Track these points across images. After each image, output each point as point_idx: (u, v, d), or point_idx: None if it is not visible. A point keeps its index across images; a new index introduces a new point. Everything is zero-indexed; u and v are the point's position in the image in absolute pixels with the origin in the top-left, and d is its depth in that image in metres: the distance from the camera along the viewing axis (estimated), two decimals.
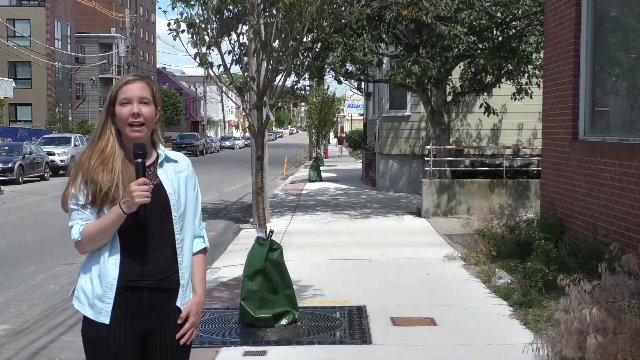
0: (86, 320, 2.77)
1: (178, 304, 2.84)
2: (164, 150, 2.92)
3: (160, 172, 2.84)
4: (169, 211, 2.80)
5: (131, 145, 2.76)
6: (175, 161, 2.93)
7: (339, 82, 16.22)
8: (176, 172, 2.89)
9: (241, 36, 6.60)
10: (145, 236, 2.76)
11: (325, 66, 14.06)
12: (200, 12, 6.36)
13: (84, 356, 2.84)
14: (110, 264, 2.72)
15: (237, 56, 6.56)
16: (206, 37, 6.37)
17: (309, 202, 17.69)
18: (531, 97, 15.27)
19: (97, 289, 2.73)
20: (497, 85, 15.55)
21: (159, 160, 2.87)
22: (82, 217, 2.71)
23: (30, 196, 20.60)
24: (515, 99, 15.61)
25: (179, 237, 2.84)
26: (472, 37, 13.76)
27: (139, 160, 2.74)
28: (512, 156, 16.61)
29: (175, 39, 6.39)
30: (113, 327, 2.72)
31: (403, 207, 15.83)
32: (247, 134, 49.28)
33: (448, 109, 16.34)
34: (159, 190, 2.78)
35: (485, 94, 15.94)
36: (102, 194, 2.69)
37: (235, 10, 6.40)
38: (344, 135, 64.72)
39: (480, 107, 16.43)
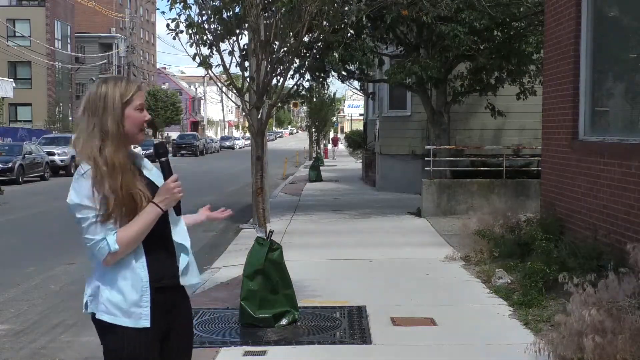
0: (118, 331, 2.72)
1: (182, 280, 2.89)
2: (138, 154, 3.00)
3: (145, 174, 2.90)
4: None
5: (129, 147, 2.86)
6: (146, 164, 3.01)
7: (342, 81, 16.25)
8: (153, 172, 2.96)
9: (241, 36, 6.61)
10: (159, 237, 2.81)
11: (326, 64, 14.06)
12: (199, 12, 6.36)
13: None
14: (139, 268, 2.74)
15: (238, 58, 6.56)
16: (205, 38, 6.37)
17: (309, 202, 17.69)
18: (535, 94, 15.24)
19: (131, 295, 2.71)
20: (498, 85, 15.54)
21: (139, 163, 2.93)
22: (109, 227, 2.67)
23: (30, 196, 20.60)
24: (519, 98, 15.61)
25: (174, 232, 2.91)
26: (472, 37, 13.75)
27: (164, 158, 2.86)
28: (513, 156, 16.60)
29: (174, 39, 6.40)
30: (152, 330, 2.75)
31: (403, 207, 15.82)
32: (247, 134, 49.23)
33: (448, 109, 16.34)
34: (153, 189, 2.83)
35: (488, 94, 15.93)
36: (139, 202, 2.72)
37: (236, 10, 6.40)
38: (338, 136, 63.90)
39: (486, 108, 16.43)
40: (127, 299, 2.71)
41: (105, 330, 2.74)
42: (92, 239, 2.66)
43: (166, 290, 2.81)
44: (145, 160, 2.95)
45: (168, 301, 2.83)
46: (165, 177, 2.83)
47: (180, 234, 2.89)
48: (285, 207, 16.50)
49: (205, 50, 6.45)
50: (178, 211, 2.86)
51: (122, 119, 2.76)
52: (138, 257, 2.75)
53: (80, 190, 2.67)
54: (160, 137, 71.22)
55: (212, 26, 6.38)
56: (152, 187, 2.82)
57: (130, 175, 2.74)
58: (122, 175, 2.70)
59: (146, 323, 2.72)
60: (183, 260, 2.88)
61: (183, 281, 2.87)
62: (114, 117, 2.74)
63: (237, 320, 6.36)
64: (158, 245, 2.80)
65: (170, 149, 56.76)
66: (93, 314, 2.78)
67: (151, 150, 30.00)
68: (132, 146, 2.92)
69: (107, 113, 2.74)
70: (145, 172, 2.89)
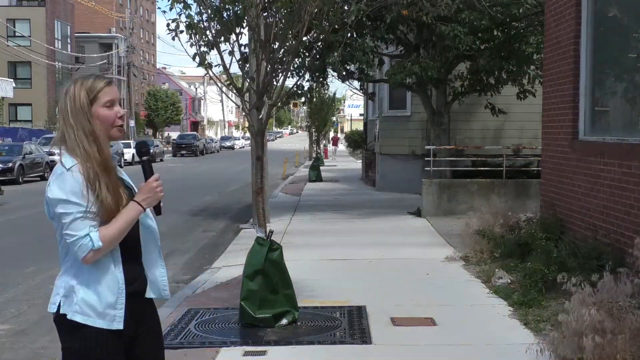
0: (89, 332, 2.70)
1: (149, 294, 2.91)
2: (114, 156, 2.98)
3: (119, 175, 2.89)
4: None
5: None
6: None
7: (343, 81, 16.27)
8: (122, 173, 2.94)
9: (240, 36, 6.61)
10: (133, 240, 2.80)
11: (326, 64, 14.07)
12: (200, 11, 6.36)
13: None
14: (117, 270, 2.74)
15: (239, 61, 6.55)
16: (205, 37, 6.37)
17: (309, 202, 17.69)
18: (534, 95, 15.23)
19: (107, 297, 2.70)
20: (498, 86, 15.53)
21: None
22: (94, 224, 2.66)
23: (30, 196, 20.59)
24: (520, 98, 15.61)
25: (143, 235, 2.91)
26: (472, 37, 13.75)
27: (145, 157, 2.83)
28: (513, 156, 16.60)
29: (174, 39, 6.40)
30: (124, 331, 2.74)
31: (403, 207, 15.83)
32: (247, 134, 49.18)
33: (448, 109, 16.34)
34: (130, 193, 2.82)
35: (488, 94, 15.93)
36: (119, 200, 2.71)
37: (236, 9, 6.39)
38: (338, 136, 63.45)
39: (486, 108, 16.43)
40: (102, 301, 2.69)
41: (75, 331, 2.70)
42: (75, 235, 2.63)
43: (137, 295, 2.81)
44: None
45: (139, 306, 2.82)
46: (147, 176, 2.81)
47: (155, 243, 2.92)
48: (285, 207, 16.50)
49: (204, 49, 6.46)
50: (158, 211, 2.86)
51: (92, 118, 2.73)
52: (116, 259, 2.74)
53: (64, 186, 2.65)
54: (160, 137, 71.27)
55: (212, 23, 6.38)
56: (132, 193, 2.83)
57: (116, 173, 2.76)
58: (111, 174, 2.70)
59: (119, 325, 2.71)
60: (161, 273, 2.92)
61: (155, 294, 2.91)
62: (85, 117, 2.72)
63: (237, 320, 6.36)
64: (131, 249, 2.80)
65: (170, 149, 56.74)
66: (60, 315, 2.73)
67: (152, 149, 29.64)
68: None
69: (79, 113, 2.72)
70: (119, 174, 2.89)
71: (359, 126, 50.21)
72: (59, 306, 2.74)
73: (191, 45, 6.41)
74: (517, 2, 13.65)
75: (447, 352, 5.58)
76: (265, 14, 6.63)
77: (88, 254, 2.64)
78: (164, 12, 6.77)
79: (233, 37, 6.52)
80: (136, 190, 2.85)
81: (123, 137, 2.90)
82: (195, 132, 69.89)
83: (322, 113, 37.26)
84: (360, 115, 47.28)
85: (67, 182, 2.65)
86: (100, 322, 2.69)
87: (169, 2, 6.50)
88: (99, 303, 2.69)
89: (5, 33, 47.05)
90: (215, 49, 6.51)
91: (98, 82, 2.78)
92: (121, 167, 3.03)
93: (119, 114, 2.78)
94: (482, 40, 14.49)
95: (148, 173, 2.80)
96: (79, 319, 2.70)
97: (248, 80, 6.67)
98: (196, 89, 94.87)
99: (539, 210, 9.53)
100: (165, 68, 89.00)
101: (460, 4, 13.52)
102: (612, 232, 6.90)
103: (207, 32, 6.39)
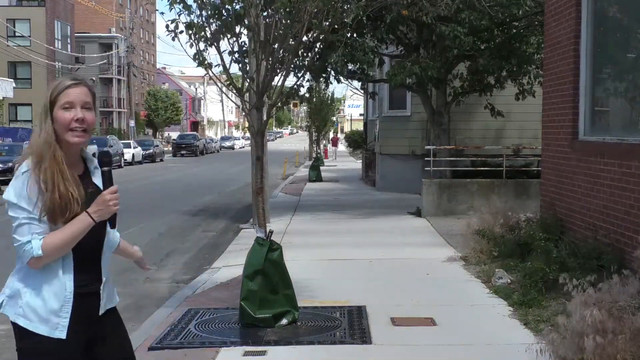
0: (32, 336, 2.65)
1: (102, 310, 2.84)
2: (93, 159, 2.88)
3: (94, 180, 2.82)
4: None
5: (68, 151, 2.71)
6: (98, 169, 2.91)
7: (339, 82, 16.29)
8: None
9: (240, 36, 6.60)
10: (90, 244, 2.74)
11: (327, 66, 14.07)
12: (198, 11, 6.35)
13: None
14: (66, 278, 2.68)
15: (237, 56, 6.56)
16: (204, 34, 6.36)
17: (309, 202, 17.68)
18: (534, 95, 15.24)
19: (52, 303, 2.65)
20: (497, 85, 15.53)
21: (92, 168, 2.85)
22: (39, 231, 2.61)
23: None
24: (519, 99, 15.62)
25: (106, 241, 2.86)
26: (472, 37, 13.75)
27: (106, 168, 2.74)
28: (513, 156, 16.60)
29: (173, 40, 6.40)
30: (68, 340, 2.68)
31: (403, 207, 15.82)
32: (248, 134, 49.16)
33: (448, 109, 16.34)
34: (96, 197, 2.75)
35: (488, 94, 15.94)
36: (67, 205, 2.62)
37: (236, 8, 6.39)
38: (338, 136, 63.16)
39: (485, 108, 16.43)
40: (46, 306, 2.64)
41: (20, 334, 2.68)
42: (19, 240, 2.61)
43: (93, 296, 2.75)
44: (98, 167, 2.86)
45: (95, 308, 2.77)
46: (105, 188, 2.72)
47: (107, 259, 2.86)
48: (285, 207, 16.50)
49: (202, 45, 6.45)
50: (113, 224, 2.78)
51: (51, 120, 2.67)
52: (66, 265, 2.68)
53: (17, 189, 2.62)
54: (160, 137, 71.31)
55: (211, 20, 6.37)
56: (97, 195, 2.74)
57: (61, 177, 2.63)
58: (63, 179, 2.62)
59: (61, 334, 2.65)
60: (109, 286, 2.87)
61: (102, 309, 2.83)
62: (45, 118, 2.68)
63: (237, 320, 6.36)
64: (88, 257, 2.74)
65: (170, 149, 56.73)
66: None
67: (151, 150, 29.64)
68: (85, 148, 2.82)
69: (41, 113, 2.70)
70: (95, 179, 2.82)
71: (359, 126, 50.08)
72: (1, 305, 2.71)
73: (191, 45, 6.40)
74: (517, 2, 13.65)
75: (447, 352, 5.58)
76: (265, 13, 6.62)
77: (31, 260, 2.61)
78: (162, 13, 6.76)
79: (233, 34, 6.51)
80: None
81: (84, 144, 2.74)
82: (195, 132, 69.91)
83: (322, 113, 37.27)
84: (360, 115, 47.25)
85: (19, 186, 2.62)
86: (42, 328, 2.64)
87: (168, 3, 6.50)
88: (43, 308, 2.64)
89: (5, 33, 47.05)
90: (214, 47, 6.50)
91: (63, 83, 2.70)
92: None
93: (76, 117, 2.67)
94: (482, 40, 14.49)
95: (106, 184, 2.72)
96: (21, 322, 2.66)
97: (248, 80, 6.67)
98: (196, 89, 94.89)
99: (539, 210, 9.53)
100: (165, 68, 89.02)
101: (460, 4, 13.51)
102: (612, 232, 6.90)
103: (207, 30, 6.38)
